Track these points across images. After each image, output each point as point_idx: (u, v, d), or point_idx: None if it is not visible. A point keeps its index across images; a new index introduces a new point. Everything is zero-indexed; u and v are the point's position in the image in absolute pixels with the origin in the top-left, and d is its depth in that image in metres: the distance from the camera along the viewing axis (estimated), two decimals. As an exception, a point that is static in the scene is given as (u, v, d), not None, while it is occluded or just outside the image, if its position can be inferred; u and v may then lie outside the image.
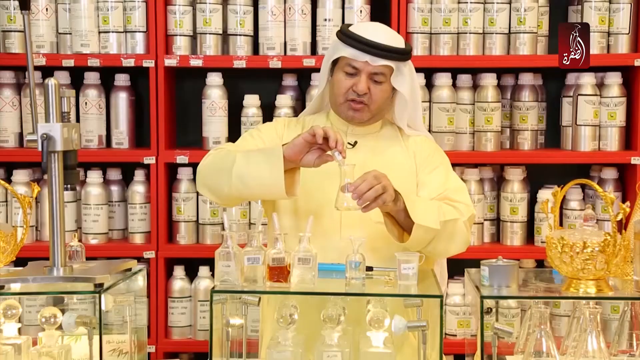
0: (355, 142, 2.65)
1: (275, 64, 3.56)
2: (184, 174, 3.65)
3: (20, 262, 2.43)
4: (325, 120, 2.72)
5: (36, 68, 3.49)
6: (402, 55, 2.59)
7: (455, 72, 3.67)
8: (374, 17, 3.54)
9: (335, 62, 2.63)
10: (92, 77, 3.68)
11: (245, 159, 2.46)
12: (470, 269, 2.45)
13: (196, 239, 3.68)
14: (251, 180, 2.44)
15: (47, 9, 3.60)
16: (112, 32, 3.59)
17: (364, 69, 2.57)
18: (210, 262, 3.50)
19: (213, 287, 2.19)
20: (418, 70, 2.73)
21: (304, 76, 3.76)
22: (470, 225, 2.60)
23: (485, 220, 3.66)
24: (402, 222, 2.48)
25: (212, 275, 3.57)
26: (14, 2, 3.56)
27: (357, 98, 2.58)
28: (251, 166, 2.44)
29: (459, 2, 3.58)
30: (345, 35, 2.59)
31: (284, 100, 3.64)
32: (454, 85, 3.65)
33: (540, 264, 3.61)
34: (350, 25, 2.68)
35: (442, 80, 3.61)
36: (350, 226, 2.52)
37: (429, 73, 3.66)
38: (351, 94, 2.59)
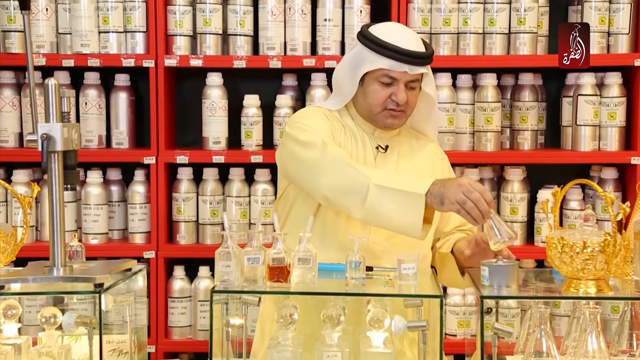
0: (387, 147, 2.65)
1: (275, 64, 3.56)
2: (184, 174, 3.65)
3: (20, 262, 2.43)
4: (353, 123, 2.65)
5: (36, 68, 3.49)
6: (431, 59, 2.60)
7: (455, 72, 3.67)
8: (374, 17, 3.54)
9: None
10: (92, 77, 3.68)
11: (380, 193, 2.38)
12: (470, 269, 2.46)
13: (196, 239, 3.67)
14: (386, 218, 2.39)
15: (47, 9, 3.59)
16: (112, 32, 3.59)
17: (402, 78, 2.54)
18: (210, 262, 3.50)
19: (213, 287, 2.19)
20: (417, 70, 2.73)
21: (304, 76, 3.76)
22: None
23: (485, 220, 3.66)
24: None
25: (212, 275, 3.56)
26: (14, 2, 3.56)
27: (396, 108, 2.57)
28: (389, 204, 2.37)
29: (459, 2, 3.58)
30: (379, 46, 2.52)
31: (284, 101, 3.64)
32: (454, 85, 3.65)
33: (540, 264, 3.61)
34: (369, 26, 2.59)
35: (442, 80, 3.61)
36: (354, 227, 2.53)
37: (429, 73, 3.66)
38: (390, 104, 2.56)
